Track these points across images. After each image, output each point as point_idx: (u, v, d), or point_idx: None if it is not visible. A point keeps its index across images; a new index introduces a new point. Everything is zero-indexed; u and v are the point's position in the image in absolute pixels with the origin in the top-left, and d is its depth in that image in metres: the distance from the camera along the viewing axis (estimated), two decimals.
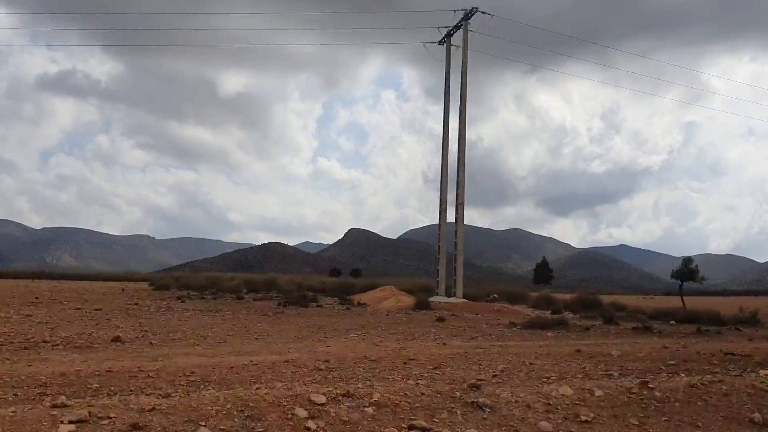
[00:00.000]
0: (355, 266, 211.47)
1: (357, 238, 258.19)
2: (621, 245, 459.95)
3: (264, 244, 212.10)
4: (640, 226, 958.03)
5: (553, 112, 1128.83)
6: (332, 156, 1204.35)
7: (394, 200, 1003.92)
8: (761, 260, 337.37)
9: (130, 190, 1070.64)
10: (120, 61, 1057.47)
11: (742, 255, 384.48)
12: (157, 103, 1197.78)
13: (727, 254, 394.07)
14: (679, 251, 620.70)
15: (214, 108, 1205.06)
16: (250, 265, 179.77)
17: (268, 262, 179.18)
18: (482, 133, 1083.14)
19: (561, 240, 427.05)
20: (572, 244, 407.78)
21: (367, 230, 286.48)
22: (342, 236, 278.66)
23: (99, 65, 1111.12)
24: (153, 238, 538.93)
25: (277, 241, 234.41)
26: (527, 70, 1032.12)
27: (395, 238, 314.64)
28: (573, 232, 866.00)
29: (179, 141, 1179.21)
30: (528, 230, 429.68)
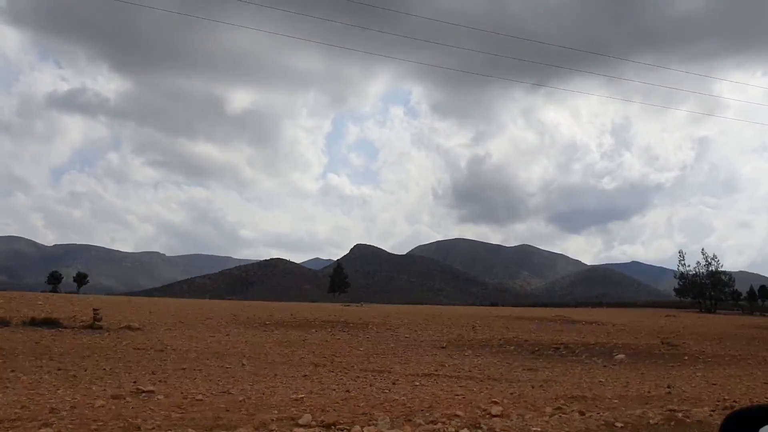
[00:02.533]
0: (360, 283, 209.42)
1: (362, 254, 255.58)
2: (633, 262, 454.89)
3: (266, 260, 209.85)
4: (653, 242, 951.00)
5: (563, 128, 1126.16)
6: (342, 172, 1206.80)
7: (406, 216, 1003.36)
8: None
9: (143, 206, 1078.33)
10: (128, 79, 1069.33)
11: (756, 272, 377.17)
12: (166, 121, 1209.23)
13: (741, 271, 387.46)
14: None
15: (222, 125, 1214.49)
16: (250, 282, 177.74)
17: (268, 278, 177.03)
18: (491, 149, 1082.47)
19: (572, 257, 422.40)
20: (584, 261, 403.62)
21: (373, 246, 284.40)
22: (348, 252, 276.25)
23: (107, 83, 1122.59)
24: (163, 255, 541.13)
25: (283, 257, 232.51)
26: (535, 86, 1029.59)
27: (404, 253, 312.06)
28: (586, 249, 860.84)
29: (189, 158, 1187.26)
30: (539, 247, 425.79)
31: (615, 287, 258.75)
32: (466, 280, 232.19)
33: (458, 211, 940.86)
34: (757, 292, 77.56)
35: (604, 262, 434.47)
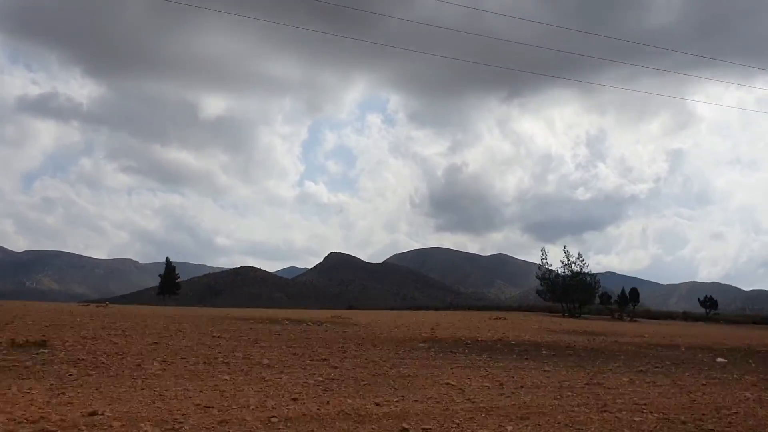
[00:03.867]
0: (332, 291, 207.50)
1: (337, 263, 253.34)
2: (608, 272, 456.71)
3: (235, 268, 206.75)
4: (628, 253, 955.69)
5: (538, 139, 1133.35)
6: (319, 179, 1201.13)
7: (384, 224, 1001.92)
8: (747, 288, 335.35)
9: (117, 213, 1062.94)
10: (101, 84, 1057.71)
11: (729, 283, 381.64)
12: (140, 126, 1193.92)
13: (714, 282, 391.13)
14: (668, 279, 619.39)
15: (196, 131, 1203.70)
16: (219, 290, 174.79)
17: (238, 286, 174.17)
18: (468, 158, 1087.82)
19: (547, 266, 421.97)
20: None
21: (348, 254, 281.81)
22: (322, 260, 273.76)
23: (80, 88, 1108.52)
24: (136, 262, 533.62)
25: (258, 265, 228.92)
26: (510, 96, 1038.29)
27: (381, 262, 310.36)
28: (562, 259, 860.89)
29: (163, 164, 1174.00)
30: (514, 256, 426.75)
31: (590, 296, 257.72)
32: (441, 289, 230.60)
33: (435, 220, 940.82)
34: (627, 295, 73.39)
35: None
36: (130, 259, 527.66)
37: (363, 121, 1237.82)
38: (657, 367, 14.21)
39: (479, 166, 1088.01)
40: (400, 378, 10.32)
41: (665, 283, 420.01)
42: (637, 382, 11.41)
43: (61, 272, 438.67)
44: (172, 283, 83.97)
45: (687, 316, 75.23)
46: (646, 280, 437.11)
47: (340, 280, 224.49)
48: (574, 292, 68.98)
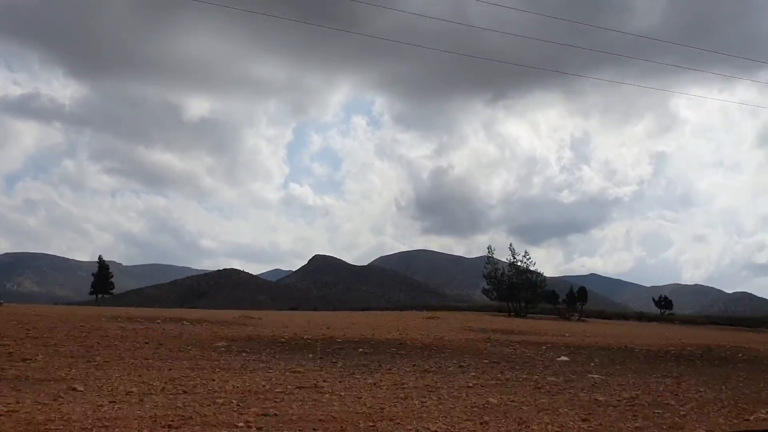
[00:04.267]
0: (316, 294, 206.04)
1: (321, 265, 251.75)
2: (592, 274, 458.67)
3: (218, 270, 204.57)
4: (612, 255, 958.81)
5: (523, 142, 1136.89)
6: (305, 182, 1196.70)
7: (370, 227, 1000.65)
8: (729, 291, 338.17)
9: (101, 215, 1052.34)
10: (84, 85, 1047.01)
11: (711, 285, 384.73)
12: (124, 128, 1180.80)
13: (696, 284, 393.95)
14: (651, 281, 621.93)
15: (181, 133, 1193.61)
16: (202, 293, 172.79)
17: (221, 289, 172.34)
18: (454, 161, 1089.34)
19: (532, 268, 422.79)
20: (544, 273, 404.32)
21: (332, 257, 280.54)
22: (306, 263, 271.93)
23: (62, 88, 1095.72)
24: (120, 264, 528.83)
25: (243, 268, 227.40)
26: (495, 99, 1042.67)
27: (366, 264, 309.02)
28: (547, 261, 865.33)
29: (148, 166, 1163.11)
30: (498, 257, 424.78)
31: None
32: (426, 291, 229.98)
33: (421, 223, 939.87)
34: (576, 294, 71.78)
35: (563, 274, 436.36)
36: (114, 261, 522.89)
37: (348, 123, 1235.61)
38: (460, 366, 13.77)
39: (465, 169, 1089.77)
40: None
41: (648, 285, 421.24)
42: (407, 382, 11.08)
43: (42, 274, 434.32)
44: (106, 282, 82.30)
45: (641, 317, 74.16)
46: (629, 282, 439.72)
47: (324, 283, 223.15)
48: (520, 291, 67.34)
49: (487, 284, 69.83)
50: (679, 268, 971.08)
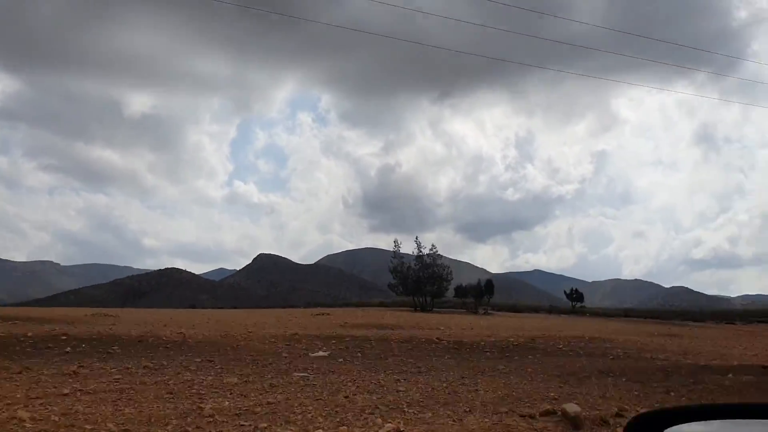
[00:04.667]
0: (260, 293, 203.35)
1: (266, 264, 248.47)
2: (536, 270, 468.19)
3: (160, 270, 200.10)
4: (555, 252, 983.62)
5: (469, 140, 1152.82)
6: (249, 179, 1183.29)
7: (317, 225, 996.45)
8: (667, 285, 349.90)
9: (37, 213, 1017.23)
10: (18, 79, 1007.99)
11: (650, 280, 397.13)
12: (61, 124, 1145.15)
13: (636, 279, 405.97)
14: (592, 276, 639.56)
15: (121, 129, 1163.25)
16: (143, 292, 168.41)
17: (162, 289, 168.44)
18: (401, 159, 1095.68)
19: (478, 265, 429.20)
20: (489, 269, 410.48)
21: (278, 255, 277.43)
22: (251, 262, 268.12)
23: None
24: (57, 264, 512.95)
25: (187, 267, 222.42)
26: (441, 97, 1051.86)
27: (312, 263, 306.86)
28: (493, 258, 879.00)
29: (87, 163, 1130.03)
30: (446, 255, 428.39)
31: (517, 294, 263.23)
32: (373, 289, 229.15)
33: (369, 221, 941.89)
34: (483, 287, 70.06)
35: (509, 270, 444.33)
36: (51, 261, 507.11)
37: (294, 120, 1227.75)
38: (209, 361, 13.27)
39: (412, 167, 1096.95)
40: None
41: (590, 280, 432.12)
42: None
43: None
44: None
45: (552, 310, 74.48)
46: (571, 278, 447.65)
47: (269, 282, 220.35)
48: (426, 285, 66.14)
49: (393, 278, 68.06)
50: (620, 263, 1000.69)
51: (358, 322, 30.13)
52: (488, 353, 17.37)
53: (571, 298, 79.29)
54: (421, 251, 68.20)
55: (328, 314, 39.57)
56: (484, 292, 69.84)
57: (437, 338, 20.68)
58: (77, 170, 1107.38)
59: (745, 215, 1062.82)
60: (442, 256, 71.24)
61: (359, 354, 15.99)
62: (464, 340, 20.24)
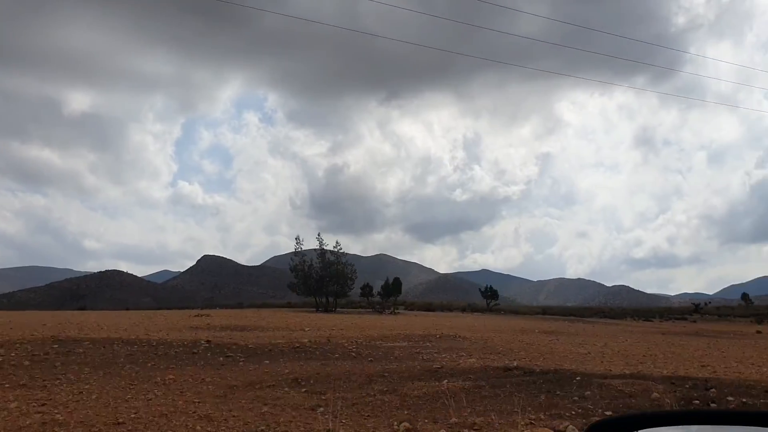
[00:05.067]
0: (204, 295, 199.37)
1: (210, 266, 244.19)
2: (483, 270, 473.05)
3: (100, 272, 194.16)
4: (502, 251, 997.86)
5: (417, 141, 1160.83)
6: (194, 180, 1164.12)
7: (263, 226, 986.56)
8: (609, 284, 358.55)
9: None
10: None
11: (593, 279, 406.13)
12: None
13: (579, 278, 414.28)
14: (538, 276, 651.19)
15: (60, 128, 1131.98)
16: (82, 295, 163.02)
17: (102, 291, 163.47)
18: (349, 159, 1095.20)
19: (426, 265, 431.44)
20: (438, 270, 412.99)
21: (223, 257, 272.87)
22: (195, 263, 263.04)
23: None
24: None
25: (129, 269, 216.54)
26: (389, 98, 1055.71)
27: (258, 265, 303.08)
28: (442, 258, 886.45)
29: (24, 163, 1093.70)
30: (395, 256, 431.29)
31: (465, 294, 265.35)
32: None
33: (317, 222, 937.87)
34: (390, 286, 68.13)
35: (457, 270, 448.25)
36: None
37: (239, 119, 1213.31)
38: None
39: (360, 168, 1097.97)
40: None
41: (535, 279, 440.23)
42: None
43: None
44: None
45: (468, 308, 74.47)
46: (517, 277, 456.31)
47: (213, 284, 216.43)
48: (328, 285, 62.37)
49: (295, 278, 64.54)
50: (564, 263, 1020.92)
51: (223, 323, 29.60)
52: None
53: (486, 296, 78.82)
54: (323, 248, 65.09)
55: (208, 315, 38.72)
56: (391, 291, 68.19)
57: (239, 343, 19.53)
58: (13, 170, 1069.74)
59: (683, 216, 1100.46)
60: (346, 253, 68.44)
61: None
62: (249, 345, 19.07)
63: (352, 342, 20.75)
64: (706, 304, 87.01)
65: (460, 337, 24.67)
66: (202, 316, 38.46)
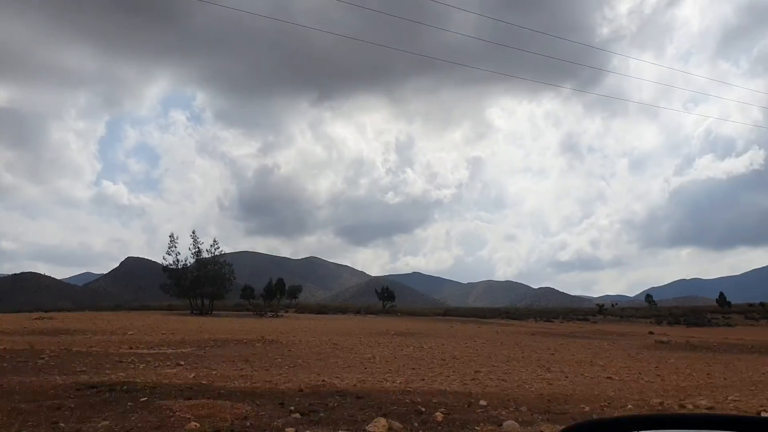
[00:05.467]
0: (126, 298, 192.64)
1: (134, 268, 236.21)
2: (415, 273, 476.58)
3: (15, 274, 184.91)
4: (434, 254, 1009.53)
5: (350, 143, 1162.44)
6: (119, 179, 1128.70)
7: (191, 228, 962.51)
8: (536, 286, 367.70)
9: None
10: None
11: (520, 281, 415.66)
12: None
13: (507, 281, 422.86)
14: (468, 278, 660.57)
15: None
16: None
17: (17, 294, 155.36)
18: (280, 161, 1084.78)
19: (358, 268, 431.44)
20: (369, 273, 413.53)
21: (147, 259, 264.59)
22: (118, 265, 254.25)
23: None
24: None
25: (49, 271, 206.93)
26: (321, 99, 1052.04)
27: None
28: (374, 261, 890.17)
29: None
30: (326, 259, 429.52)
31: (397, 297, 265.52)
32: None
33: (246, 224, 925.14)
34: (273, 288, 65.51)
35: (389, 273, 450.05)
36: None
37: (166, 118, 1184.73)
38: None
39: (291, 169, 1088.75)
40: None
41: (465, 282, 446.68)
42: None
43: None
44: None
45: (360, 310, 74.19)
46: (448, 279, 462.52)
47: (137, 287, 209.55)
48: (204, 286, 58.72)
49: (168, 278, 60.96)
50: (493, 265, 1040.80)
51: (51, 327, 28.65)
52: None
53: (382, 297, 78.00)
54: (198, 247, 62.07)
55: (51, 318, 37.12)
56: (274, 293, 65.37)
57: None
58: None
59: (606, 220, 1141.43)
60: (224, 253, 65.47)
61: None
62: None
63: (62, 350, 17.57)
64: (613, 305, 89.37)
65: (274, 342, 23.91)
66: (44, 318, 36.61)
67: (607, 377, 15.52)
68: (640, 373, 16.69)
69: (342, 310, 72.57)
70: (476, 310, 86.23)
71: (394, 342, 26.22)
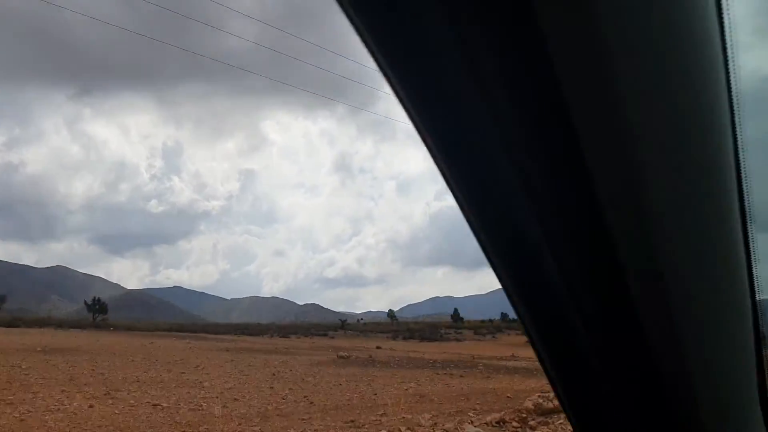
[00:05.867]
0: None
1: None
2: (176, 287, 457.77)
3: None
4: (198, 268, 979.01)
5: (111, 145, 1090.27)
6: None
7: None
8: (301, 303, 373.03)
9: None
10: None
11: (286, 298, 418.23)
12: None
13: (274, 296, 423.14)
14: (233, 293, 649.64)
15: None
16: None
17: None
18: (27, 157, 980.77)
19: (113, 280, 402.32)
20: (125, 285, 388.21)
21: None
22: None
23: None
24: None
25: None
26: (79, 94, 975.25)
27: None
28: (132, 272, 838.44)
29: None
30: (76, 269, 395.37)
31: (154, 312, 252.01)
32: None
33: None
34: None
35: (148, 286, 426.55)
36: None
37: None
38: None
39: (41, 168, 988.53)
40: None
41: (230, 297, 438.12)
42: None
43: None
44: None
45: (62, 324, 69.28)
46: (212, 295, 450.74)
47: None
48: None
49: None
50: (261, 280, 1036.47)
51: None
52: None
53: (93, 309, 72.02)
54: None
55: None
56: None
57: None
58: None
59: (373, 239, 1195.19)
60: None
61: None
62: None
63: None
64: (358, 320, 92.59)
65: None
66: None
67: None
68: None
69: (40, 324, 65.49)
70: (209, 326, 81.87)
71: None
